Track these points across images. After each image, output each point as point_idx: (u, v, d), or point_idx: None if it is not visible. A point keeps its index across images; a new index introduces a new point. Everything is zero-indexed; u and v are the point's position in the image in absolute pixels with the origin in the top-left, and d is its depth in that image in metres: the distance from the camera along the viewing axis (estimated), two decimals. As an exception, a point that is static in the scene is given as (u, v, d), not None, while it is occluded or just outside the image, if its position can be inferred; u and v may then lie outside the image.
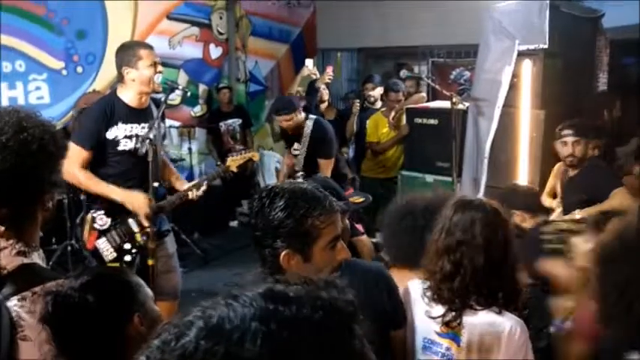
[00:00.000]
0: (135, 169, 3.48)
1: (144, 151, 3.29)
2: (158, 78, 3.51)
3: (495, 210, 2.05)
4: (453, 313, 2.00)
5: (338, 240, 1.68)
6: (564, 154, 3.95)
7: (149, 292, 1.70)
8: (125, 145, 3.46)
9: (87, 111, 3.70)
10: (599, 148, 4.28)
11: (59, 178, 1.61)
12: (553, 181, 4.35)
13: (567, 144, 3.92)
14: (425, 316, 2.07)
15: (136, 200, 3.43)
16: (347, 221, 2.28)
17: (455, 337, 2.02)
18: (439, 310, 2.03)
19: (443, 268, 2.01)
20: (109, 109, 3.45)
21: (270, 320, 0.68)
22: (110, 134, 3.43)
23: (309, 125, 4.77)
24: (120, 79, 3.52)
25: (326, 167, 4.70)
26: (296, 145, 4.87)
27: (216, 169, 4.19)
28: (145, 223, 3.45)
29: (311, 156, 4.75)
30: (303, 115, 4.78)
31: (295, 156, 4.89)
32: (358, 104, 6.40)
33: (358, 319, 0.74)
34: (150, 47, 3.57)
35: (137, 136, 3.48)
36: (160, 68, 3.48)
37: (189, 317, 0.71)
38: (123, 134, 3.45)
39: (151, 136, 3.26)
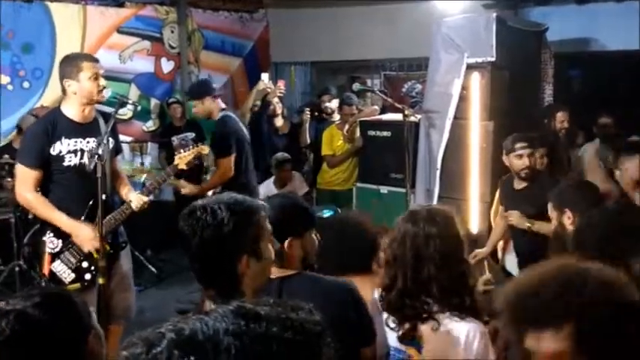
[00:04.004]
0: (83, 185, 3.37)
1: (92, 167, 3.20)
2: (107, 92, 3.43)
3: (432, 221, 2.05)
4: (407, 326, 2.02)
5: (270, 234, 1.80)
6: (519, 167, 3.97)
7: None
8: (70, 161, 3.37)
9: (29, 129, 3.58)
10: (547, 156, 4.39)
11: None
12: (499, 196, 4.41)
13: (522, 157, 3.95)
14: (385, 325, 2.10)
15: (82, 235, 3.36)
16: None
17: (416, 345, 2.04)
18: (393, 321, 2.06)
19: (384, 280, 2.09)
20: (51, 125, 3.36)
21: (242, 335, 0.70)
22: (54, 150, 3.34)
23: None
24: (63, 92, 3.43)
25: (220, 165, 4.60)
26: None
27: (165, 170, 4.01)
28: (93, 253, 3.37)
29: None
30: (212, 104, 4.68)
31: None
32: (308, 113, 6.43)
33: (326, 340, 0.77)
34: (92, 59, 3.47)
35: (82, 150, 3.39)
36: (102, 81, 3.38)
37: (161, 330, 0.71)
38: (67, 149, 3.36)
39: (100, 151, 3.17)
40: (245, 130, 4.87)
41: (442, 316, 2.00)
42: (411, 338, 2.04)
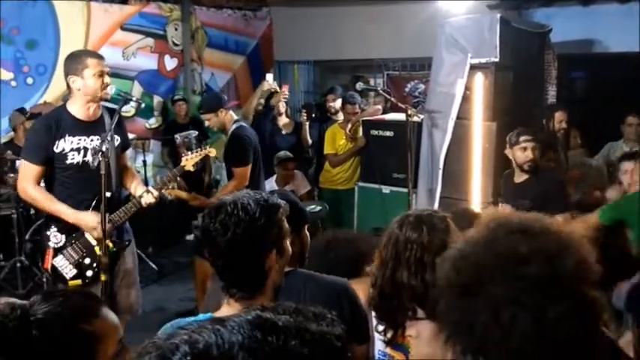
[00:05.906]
0: (87, 182, 3.36)
1: (95, 164, 3.19)
2: (111, 89, 3.42)
3: (416, 227, 2.02)
4: (392, 331, 2.01)
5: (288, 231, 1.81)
6: (524, 159, 4.01)
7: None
8: (73, 159, 3.36)
9: (32, 125, 3.59)
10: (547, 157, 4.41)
11: None
12: None
13: (527, 149, 4.00)
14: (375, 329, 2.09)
15: (86, 221, 3.36)
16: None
17: (404, 350, 2.03)
18: (381, 326, 2.06)
19: (375, 283, 2.07)
20: (55, 122, 3.35)
21: (257, 351, 0.68)
22: (57, 148, 3.34)
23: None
24: (68, 89, 3.43)
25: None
26: None
27: (170, 171, 4.03)
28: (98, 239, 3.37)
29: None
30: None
31: None
32: (305, 115, 6.44)
33: (346, 355, 0.74)
34: (97, 56, 3.46)
35: (85, 149, 3.38)
36: (107, 79, 3.37)
37: (175, 340, 0.69)
38: (70, 147, 3.35)
39: (104, 148, 3.17)
40: (257, 139, 4.86)
41: (424, 324, 1.97)
42: (397, 343, 2.03)
